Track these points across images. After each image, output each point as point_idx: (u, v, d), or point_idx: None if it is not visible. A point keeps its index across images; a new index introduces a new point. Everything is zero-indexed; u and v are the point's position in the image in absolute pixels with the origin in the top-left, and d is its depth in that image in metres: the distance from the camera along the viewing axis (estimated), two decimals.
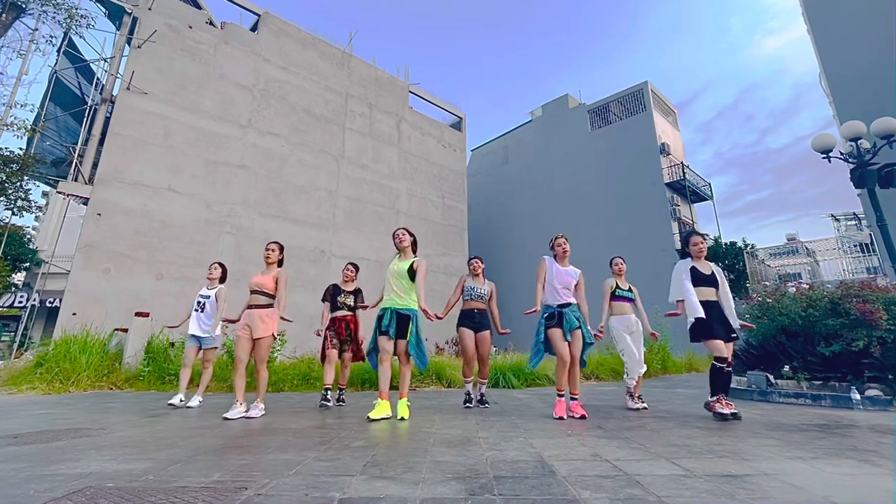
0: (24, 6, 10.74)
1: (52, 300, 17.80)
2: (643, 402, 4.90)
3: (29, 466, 2.37)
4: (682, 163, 20.99)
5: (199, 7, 14.55)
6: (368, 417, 3.94)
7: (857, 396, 4.69)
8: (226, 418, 4.07)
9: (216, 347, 5.63)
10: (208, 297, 5.53)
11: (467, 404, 4.97)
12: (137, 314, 7.69)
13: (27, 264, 17.73)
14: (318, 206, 15.18)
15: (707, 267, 4.42)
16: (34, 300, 11.69)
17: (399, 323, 4.17)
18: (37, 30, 11.26)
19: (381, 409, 4.02)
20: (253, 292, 4.50)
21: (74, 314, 9.67)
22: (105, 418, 4.13)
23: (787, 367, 5.62)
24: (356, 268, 5.71)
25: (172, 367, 7.21)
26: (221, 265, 5.77)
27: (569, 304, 4.37)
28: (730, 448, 2.74)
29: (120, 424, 3.78)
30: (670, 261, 18.71)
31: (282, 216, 14.14)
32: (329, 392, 5.30)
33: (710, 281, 4.33)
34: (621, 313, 5.09)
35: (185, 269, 11.77)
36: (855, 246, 14.45)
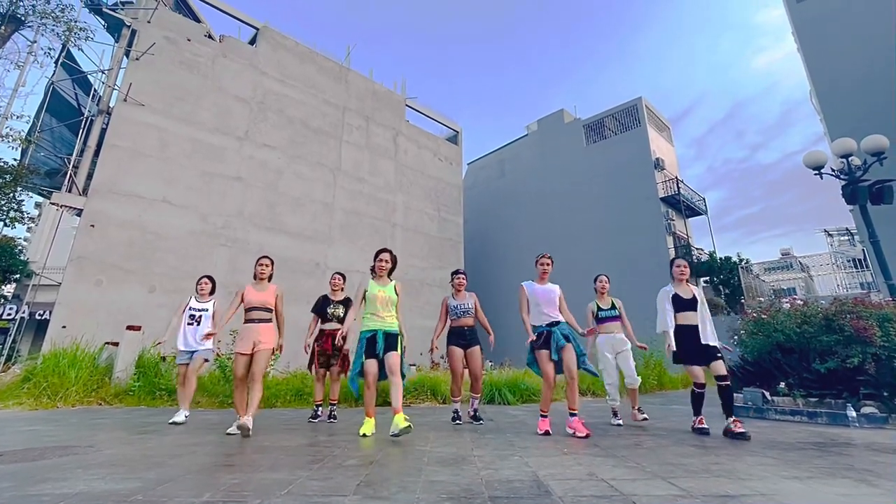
0: (23, 19, 10.80)
1: (41, 312, 17.54)
2: (644, 414, 4.92)
3: (14, 486, 2.31)
4: (676, 178, 21.18)
5: (197, 20, 14.69)
6: (364, 434, 3.90)
7: (854, 414, 4.69)
8: (229, 433, 4.04)
9: (208, 360, 5.54)
10: (204, 310, 5.42)
11: (456, 422, 4.92)
12: (129, 328, 7.58)
13: (17, 276, 17.51)
14: (313, 219, 15.18)
15: (688, 291, 4.54)
16: (23, 312, 11.54)
17: (388, 340, 4.13)
18: (35, 42, 11.31)
19: (370, 425, 4.00)
20: (254, 309, 4.43)
21: (64, 327, 9.56)
22: (93, 435, 4.06)
23: (782, 384, 5.61)
24: (343, 277, 5.70)
25: (163, 381, 7.10)
26: (211, 279, 5.71)
27: (557, 322, 4.37)
28: (726, 467, 2.72)
29: (108, 442, 3.71)
30: (665, 275, 18.75)
31: (277, 228, 14.12)
32: (320, 408, 5.27)
33: (692, 305, 4.45)
34: (608, 332, 5.13)
35: (178, 281, 11.68)
36: (848, 261, 14.57)
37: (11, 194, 10.67)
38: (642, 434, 4.16)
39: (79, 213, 10.88)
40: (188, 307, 5.45)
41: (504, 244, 25.74)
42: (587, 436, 3.95)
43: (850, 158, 8.07)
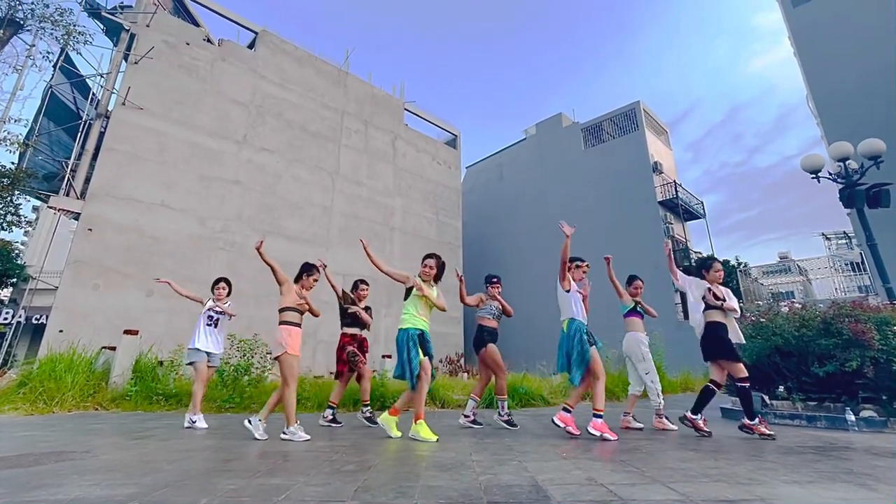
0: (21, 23, 10.81)
1: (38, 317, 17.48)
2: (638, 423, 4.89)
3: (8, 493, 2.29)
4: (674, 181, 21.22)
5: (196, 24, 14.72)
6: (437, 439, 3.87)
7: (852, 418, 4.68)
8: (285, 439, 4.04)
9: (216, 366, 5.51)
10: (222, 312, 5.40)
11: (513, 427, 4.84)
12: (126, 332, 7.55)
13: (14, 280, 17.45)
14: (312, 223, 15.16)
15: (720, 291, 4.55)
16: (20, 317, 11.49)
17: (428, 345, 4.23)
18: (34, 46, 11.31)
19: (428, 428, 3.97)
20: (300, 313, 4.55)
21: (61, 331, 9.51)
22: (89, 440, 4.03)
23: (781, 388, 5.60)
24: (368, 285, 5.70)
25: (160, 386, 7.07)
26: (228, 282, 5.62)
27: None
28: (725, 471, 2.71)
29: (105, 447, 3.69)
30: (663, 278, 18.81)
31: (276, 232, 14.10)
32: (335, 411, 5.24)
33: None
34: (641, 330, 5.12)
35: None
36: (846, 265, 14.60)
37: (9, 198, 10.65)
38: (642, 438, 4.15)
39: (76, 216, 10.86)
40: (208, 308, 5.39)
41: (502, 247, 25.75)
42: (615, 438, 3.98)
43: (847, 162, 8.11)
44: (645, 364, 5.02)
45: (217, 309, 5.40)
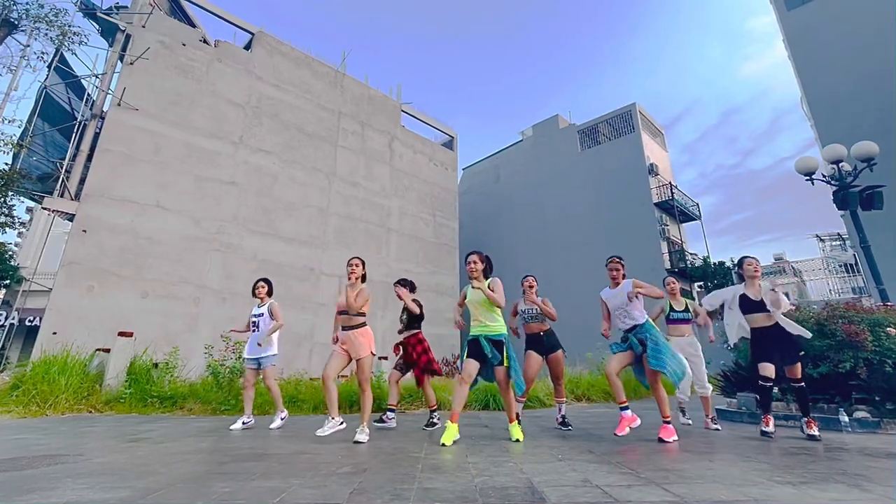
0: (16, 23, 10.75)
1: (31, 319, 17.34)
2: (717, 424, 4.96)
3: (1, 497, 2.27)
4: (670, 183, 21.31)
5: (193, 25, 14.68)
6: (443, 444, 3.74)
7: (846, 419, 4.71)
8: (318, 435, 3.98)
9: (275, 365, 5.45)
10: (262, 314, 5.37)
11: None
12: (121, 334, 7.51)
13: (7, 281, 17.31)
14: (308, 224, 15.13)
15: (757, 292, 4.44)
16: (13, 319, 11.41)
17: (494, 348, 4.07)
18: (28, 46, 11.24)
19: (452, 433, 3.85)
20: (339, 314, 4.32)
21: (55, 333, 9.44)
22: (83, 443, 4.00)
23: (776, 389, 5.62)
24: (403, 284, 5.38)
25: (155, 389, 7.03)
26: (267, 281, 5.58)
27: (633, 328, 4.30)
28: (720, 473, 2.72)
29: (98, 450, 3.66)
30: (660, 280, 18.88)
31: (271, 233, 14.07)
32: (391, 412, 5.16)
33: (761, 307, 4.38)
34: (678, 335, 5.17)
35: (171, 286, 11.60)
36: (840, 266, 14.70)
37: (2, 199, 10.57)
38: (638, 440, 4.15)
39: (71, 217, 10.80)
40: (251, 314, 5.42)
41: (499, 249, 25.73)
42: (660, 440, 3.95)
43: (840, 164, 8.17)
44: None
45: (256, 313, 5.41)
